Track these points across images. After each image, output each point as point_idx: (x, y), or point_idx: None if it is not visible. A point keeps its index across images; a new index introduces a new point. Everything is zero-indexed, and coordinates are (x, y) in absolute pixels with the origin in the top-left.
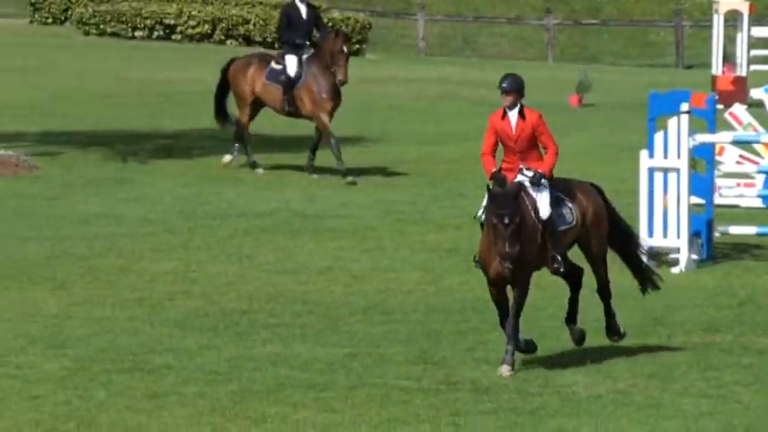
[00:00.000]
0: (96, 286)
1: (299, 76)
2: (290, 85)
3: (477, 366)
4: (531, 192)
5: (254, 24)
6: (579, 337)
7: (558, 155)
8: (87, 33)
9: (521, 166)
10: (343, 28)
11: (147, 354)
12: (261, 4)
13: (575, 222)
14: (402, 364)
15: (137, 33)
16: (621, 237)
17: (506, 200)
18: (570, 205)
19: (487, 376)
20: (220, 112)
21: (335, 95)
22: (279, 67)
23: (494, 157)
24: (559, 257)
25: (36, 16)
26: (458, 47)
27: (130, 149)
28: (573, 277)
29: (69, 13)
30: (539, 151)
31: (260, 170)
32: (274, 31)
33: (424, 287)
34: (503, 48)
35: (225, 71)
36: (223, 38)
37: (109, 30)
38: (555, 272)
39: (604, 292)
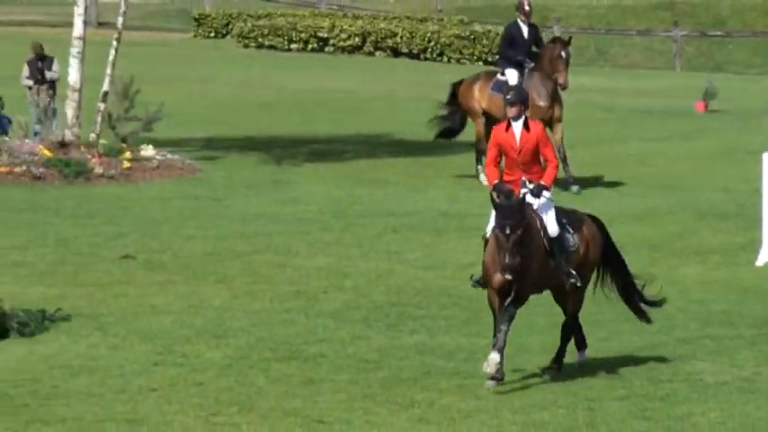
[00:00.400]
0: (256, 281)
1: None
2: None
3: (611, 355)
4: (538, 211)
5: (401, 37)
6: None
7: (558, 169)
8: (246, 46)
9: (523, 178)
10: (485, 41)
11: (303, 344)
12: (407, 18)
13: (576, 247)
14: (540, 352)
15: (292, 46)
16: (619, 269)
17: (510, 211)
18: (572, 231)
19: (621, 364)
20: (445, 133)
21: (555, 102)
22: (504, 78)
23: (497, 168)
24: (574, 272)
25: (199, 31)
26: (591, 57)
27: (287, 153)
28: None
29: (230, 27)
30: (540, 165)
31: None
32: (420, 42)
33: None
34: (633, 58)
35: (455, 86)
36: (372, 50)
37: (266, 43)
38: (572, 287)
39: (567, 329)
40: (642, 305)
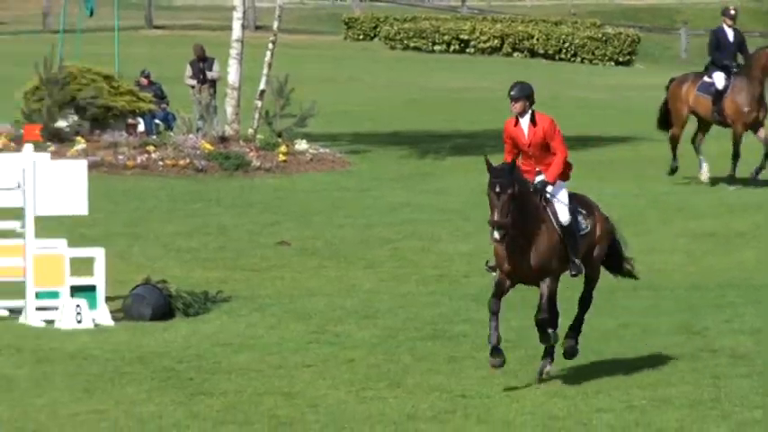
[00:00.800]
0: (402, 265)
1: (726, 88)
2: (718, 96)
3: (733, 336)
4: (551, 199)
5: (537, 39)
6: (572, 351)
7: (565, 162)
8: (393, 48)
9: (537, 169)
10: (616, 42)
11: (447, 324)
12: (543, 21)
13: (589, 229)
14: (667, 333)
15: (435, 47)
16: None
17: (502, 171)
18: (585, 213)
19: (743, 344)
20: (662, 123)
21: (761, 107)
22: (710, 80)
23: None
24: (577, 262)
25: (349, 33)
26: None
27: (430, 148)
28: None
29: (377, 30)
30: (554, 156)
31: (678, 169)
32: (554, 43)
33: (686, 267)
34: None
35: (667, 88)
36: (510, 51)
37: (411, 45)
38: (573, 277)
39: (586, 302)
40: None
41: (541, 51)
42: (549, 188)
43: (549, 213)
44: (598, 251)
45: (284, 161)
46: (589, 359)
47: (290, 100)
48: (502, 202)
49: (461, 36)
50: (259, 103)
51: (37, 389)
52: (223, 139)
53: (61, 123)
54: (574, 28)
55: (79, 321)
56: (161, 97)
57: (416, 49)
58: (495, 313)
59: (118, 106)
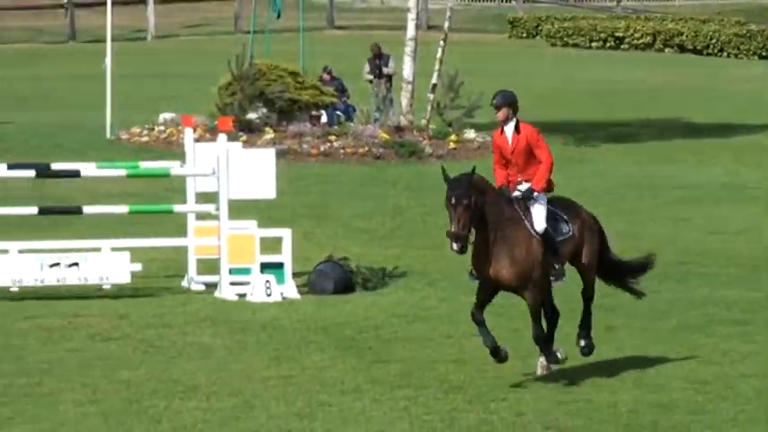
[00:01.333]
0: None
1: None
2: None
3: None
4: (528, 205)
5: (687, 36)
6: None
7: (550, 169)
8: (554, 45)
9: (519, 179)
10: (759, 38)
11: (604, 297)
12: (691, 19)
13: (571, 233)
14: None
15: (593, 44)
16: (608, 263)
17: (458, 183)
18: (566, 217)
19: None
20: None
21: None
22: None
23: (504, 168)
24: (557, 267)
25: (513, 32)
26: None
27: (588, 136)
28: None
29: (539, 29)
30: (537, 166)
31: None
32: (702, 40)
33: None
34: None
35: None
36: (661, 47)
37: (570, 42)
38: (553, 282)
39: (587, 293)
40: (632, 281)
41: (690, 47)
42: (535, 195)
43: (527, 223)
44: (587, 251)
45: (454, 149)
46: (735, 329)
47: (460, 93)
48: (458, 214)
49: (617, 33)
50: (431, 96)
51: (231, 356)
52: (398, 129)
53: (252, 115)
54: (720, 25)
55: (269, 295)
56: (342, 91)
57: (575, 45)
58: (481, 323)
59: (303, 99)
